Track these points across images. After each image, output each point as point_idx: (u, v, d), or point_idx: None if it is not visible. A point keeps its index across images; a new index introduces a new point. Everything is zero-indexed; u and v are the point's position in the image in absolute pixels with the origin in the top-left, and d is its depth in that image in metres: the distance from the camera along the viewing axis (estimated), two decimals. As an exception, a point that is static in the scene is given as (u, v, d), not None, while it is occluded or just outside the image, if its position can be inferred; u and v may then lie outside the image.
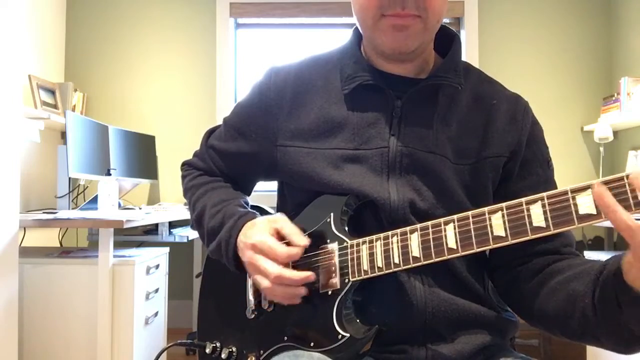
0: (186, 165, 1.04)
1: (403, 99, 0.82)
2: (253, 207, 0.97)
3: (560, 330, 0.75)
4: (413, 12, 0.76)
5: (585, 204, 0.58)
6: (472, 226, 0.66)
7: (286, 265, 0.77)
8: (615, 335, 0.65)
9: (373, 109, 0.84)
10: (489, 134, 0.84)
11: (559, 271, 0.76)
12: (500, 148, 0.84)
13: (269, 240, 0.78)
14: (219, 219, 0.87)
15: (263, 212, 0.97)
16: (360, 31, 0.86)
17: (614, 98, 2.95)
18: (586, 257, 0.80)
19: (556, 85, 3.22)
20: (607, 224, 0.58)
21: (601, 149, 3.00)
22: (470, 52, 3.21)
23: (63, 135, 3.03)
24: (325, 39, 3.36)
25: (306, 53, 0.94)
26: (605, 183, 0.57)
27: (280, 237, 0.80)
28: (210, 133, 1.01)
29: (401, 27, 0.77)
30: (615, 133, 2.95)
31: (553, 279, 0.76)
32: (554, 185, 0.87)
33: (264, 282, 0.77)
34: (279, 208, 0.98)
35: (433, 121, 0.83)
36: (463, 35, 3.24)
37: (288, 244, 0.78)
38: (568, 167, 3.16)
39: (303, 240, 0.78)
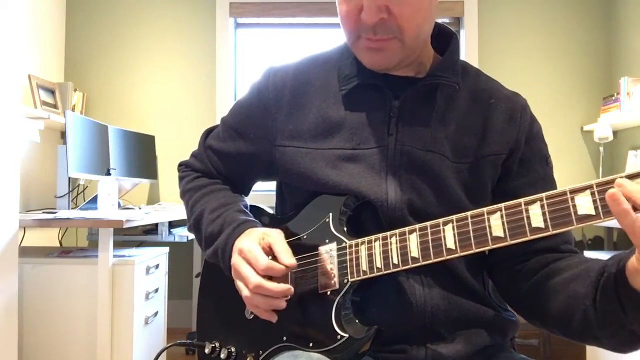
0: (183, 167, 1.03)
1: (401, 99, 0.82)
2: (252, 207, 0.97)
3: (561, 331, 0.75)
4: (386, 36, 0.77)
5: (584, 204, 0.58)
6: (471, 227, 0.66)
7: (267, 277, 0.76)
8: (616, 336, 0.65)
9: (371, 109, 0.84)
10: (488, 133, 0.84)
11: (559, 271, 0.76)
12: (499, 146, 0.84)
13: (255, 249, 0.77)
14: (219, 225, 0.87)
15: (262, 212, 0.97)
16: None
17: (614, 98, 2.95)
18: (585, 256, 0.80)
19: (556, 85, 3.22)
20: (607, 224, 0.58)
21: (601, 149, 3.00)
22: (470, 52, 3.21)
23: (63, 135, 3.03)
24: (325, 39, 3.36)
25: (306, 53, 0.94)
26: (603, 184, 0.57)
27: (271, 252, 0.79)
28: (208, 133, 1.01)
29: (376, 50, 0.78)
30: (615, 133, 2.94)
31: (553, 279, 0.76)
32: (553, 183, 0.87)
33: (244, 291, 0.77)
34: (278, 208, 0.98)
35: (431, 120, 0.83)
36: (463, 35, 3.23)
37: (277, 260, 0.77)
38: (568, 167, 3.16)
39: (289, 261, 0.75)
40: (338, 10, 0.82)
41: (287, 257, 0.76)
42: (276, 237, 0.79)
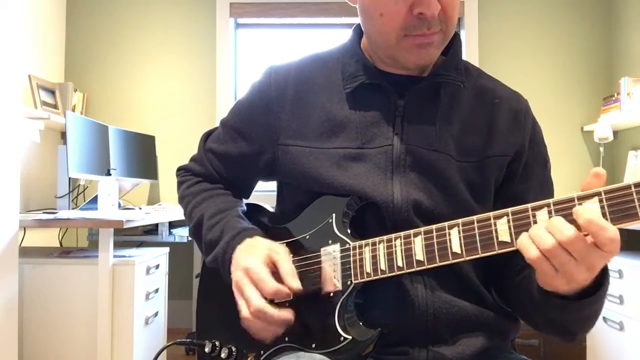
0: (182, 171, 1.01)
1: (405, 98, 0.82)
2: (253, 206, 0.97)
3: (529, 324, 0.81)
4: (437, 29, 0.76)
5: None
6: (477, 231, 0.66)
7: (271, 301, 0.74)
8: (547, 326, 0.75)
9: (375, 108, 0.83)
10: (493, 132, 0.84)
11: None
12: (505, 147, 0.84)
13: (261, 271, 0.74)
14: (217, 232, 0.85)
15: (263, 212, 0.97)
16: (369, 41, 0.86)
17: (614, 98, 2.95)
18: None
19: (556, 85, 3.22)
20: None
21: (601, 149, 3.00)
22: (470, 52, 3.21)
23: (63, 135, 3.03)
24: (325, 39, 3.36)
25: (306, 53, 0.93)
26: (611, 192, 0.57)
27: (275, 269, 0.76)
28: (207, 136, 0.99)
29: (426, 45, 0.77)
30: (615, 133, 2.94)
31: (525, 276, 0.80)
32: (550, 186, 0.88)
33: (244, 311, 0.75)
34: (278, 209, 0.97)
35: (436, 119, 0.83)
36: (463, 35, 3.23)
37: (279, 279, 0.75)
38: (568, 167, 3.16)
39: (295, 284, 0.74)
40: (368, 14, 0.80)
41: (294, 281, 0.74)
42: (282, 256, 0.77)
